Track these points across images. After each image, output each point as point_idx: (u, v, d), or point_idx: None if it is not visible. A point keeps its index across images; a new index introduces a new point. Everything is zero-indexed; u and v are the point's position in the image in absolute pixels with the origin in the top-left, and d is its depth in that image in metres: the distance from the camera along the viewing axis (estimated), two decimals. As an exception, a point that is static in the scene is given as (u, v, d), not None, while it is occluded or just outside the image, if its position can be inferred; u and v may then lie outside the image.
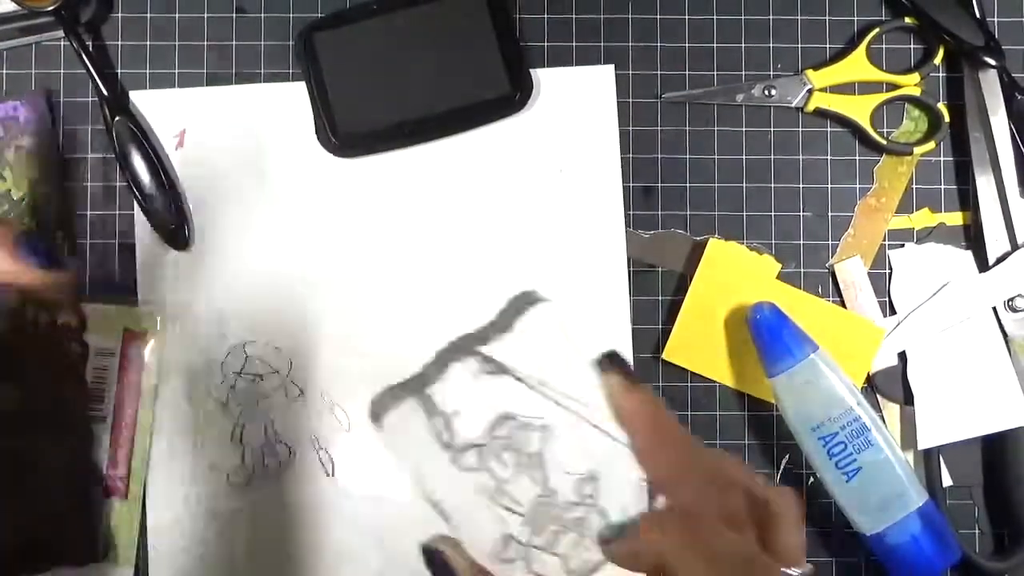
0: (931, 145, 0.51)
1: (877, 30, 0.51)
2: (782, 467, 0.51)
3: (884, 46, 0.52)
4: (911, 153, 0.51)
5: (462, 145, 0.51)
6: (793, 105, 0.51)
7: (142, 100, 0.51)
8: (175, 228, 0.50)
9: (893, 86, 0.52)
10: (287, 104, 0.51)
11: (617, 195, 0.51)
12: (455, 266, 0.51)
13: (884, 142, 0.51)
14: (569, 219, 0.51)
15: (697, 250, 0.51)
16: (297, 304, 0.51)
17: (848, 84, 0.52)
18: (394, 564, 0.50)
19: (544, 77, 0.51)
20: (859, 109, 0.51)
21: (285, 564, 0.50)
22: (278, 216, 0.51)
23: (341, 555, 0.50)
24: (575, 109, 0.51)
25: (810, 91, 0.51)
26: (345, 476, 0.50)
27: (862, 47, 0.51)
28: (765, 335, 0.48)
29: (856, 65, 0.51)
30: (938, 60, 0.51)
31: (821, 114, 0.51)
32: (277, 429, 0.50)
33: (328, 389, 0.50)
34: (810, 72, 0.51)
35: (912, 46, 0.52)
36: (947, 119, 0.51)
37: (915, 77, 0.51)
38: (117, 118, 0.49)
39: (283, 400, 0.50)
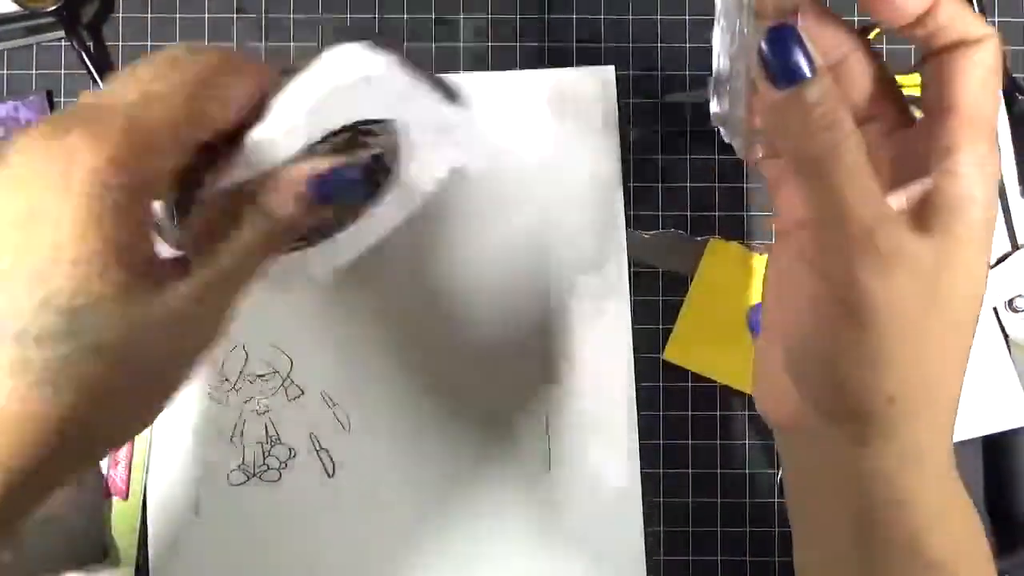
0: None
1: (878, 30, 0.51)
2: (782, 467, 0.51)
3: (885, 46, 0.52)
4: None
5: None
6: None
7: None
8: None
9: (893, 86, 0.51)
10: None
11: (617, 195, 0.51)
12: (455, 266, 0.51)
13: (885, 142, 0.51)
14: (569, 219, 0.51)
15: (697, 250, 0.51)
16: (297, 304, 0.51)
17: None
18: (394, 565, 0.50)
19: (544, 77, 0.51)
20: (860, 109, 0.51)
21: (285, 565, 0.50)
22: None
23: (341, 556, 0.50)
24: (575, 109, 0.51)
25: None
26: (345, 476, 0.50)
27: (862, 47, 0.51)
28: None
29: (856, 65, 0.51)
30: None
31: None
32: (277, 429, 0.50)
33: (328, 389, 0.50)
34: (811, 72, 0.51)
35: (913, 46, 0.52)
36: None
37: (916, 77, 0.51)
38: (117, 118, 0.49)
39: (283, 400, 0.50)
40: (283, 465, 0.50)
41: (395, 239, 0.50)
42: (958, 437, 0.50)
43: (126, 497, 0.50)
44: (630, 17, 0.52)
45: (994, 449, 0.51)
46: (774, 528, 0.51)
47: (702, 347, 0.50)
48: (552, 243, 0.51)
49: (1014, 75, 0.50)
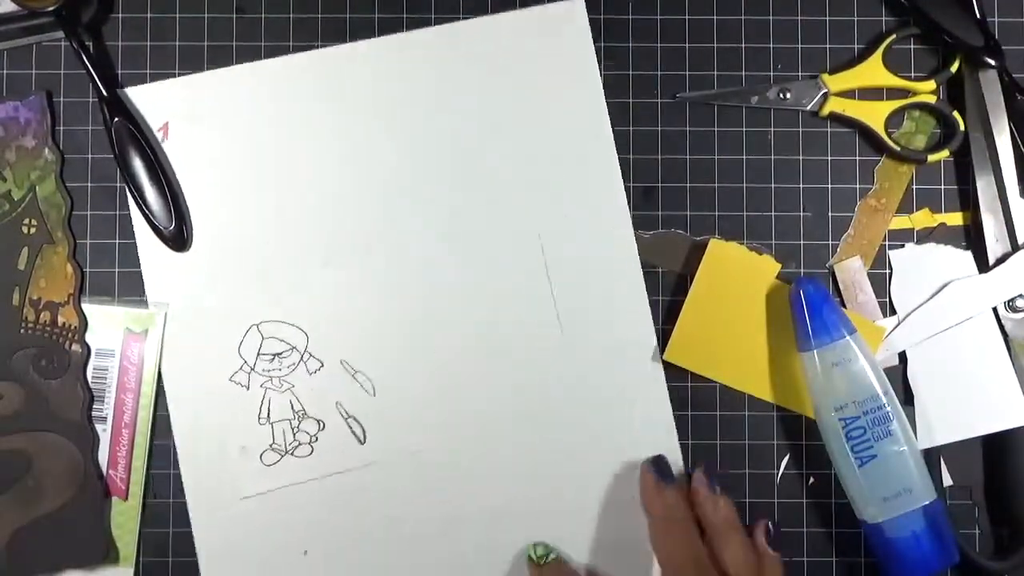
0: (944, 153, 0.50)
1: (894, 36, 0.51)
2: (782, 467, 0.51)
3: (911, 46, 0.52)
4: (925, 160, 0.51)
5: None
6: (808, 109, 0.51)
7: (131, 96, 0.51)
8: (174, 230, 0.49)
9: (908, 92, 0.51)
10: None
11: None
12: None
13: (898, 148, 0.50)
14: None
15: (697, 250, 0.51)
16: (305, 277, 0.50)
17: (863, 89, 0.51)
18: (436, 524, 0.50)
19: (508, 21, 0.51)
20: (874, 115, 0.51)
21: (330, 535, 0.50)
22: (282, 191, 0.51)
23: (382, 517, 0.50)
24: (547, 53, 0.51)
25: (825, 95, 0.51)
26: (377, 440, 0.50)
27: (878, 53, 0.51)
28: (806, 309, 0.48)
29: (872, 70, 0.51)
30: (954, 68, 0.51)
31: (836, 119, 0.51)
32: (303, 404, 0.50)
33: (347, 357, 0.50)
34: (826, 76, 0.51)
35: (926, 48, 0.52)
36: (962, 127, 0.50)
37: (931, 84, 0.51)
38: (117, 118, 0.49)
39: (304, 374, 0.50)
40: (314, 438, 0.50)
41: (398, 218, 0.51)
42: (958, 437, 0.50)
43: (126, 497, 0.50)
44: (630, 17, 0.52)
45: (994, 449, 0.51)
46: (774, 528, 0.51)
47: (702, 347, 0.50)
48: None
49: (1014, 75, 0.50)
